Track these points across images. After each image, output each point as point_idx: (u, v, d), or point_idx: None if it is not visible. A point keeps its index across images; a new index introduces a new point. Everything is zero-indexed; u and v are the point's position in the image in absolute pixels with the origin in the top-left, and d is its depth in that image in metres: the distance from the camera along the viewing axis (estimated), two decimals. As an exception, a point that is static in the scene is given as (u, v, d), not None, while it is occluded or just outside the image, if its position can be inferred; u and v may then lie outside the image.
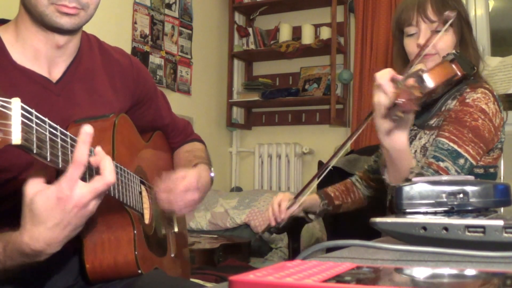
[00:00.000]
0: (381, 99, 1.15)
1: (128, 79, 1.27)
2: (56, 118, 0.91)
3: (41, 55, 1.07)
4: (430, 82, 1.23)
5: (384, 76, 1.16)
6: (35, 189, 0.80)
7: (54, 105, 1.07)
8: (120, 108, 1.22)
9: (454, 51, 1.38)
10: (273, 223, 1.62)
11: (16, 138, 0.67)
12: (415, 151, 1.48)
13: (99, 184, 0.81)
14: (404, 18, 1.52)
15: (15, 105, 0.67)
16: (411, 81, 1.05)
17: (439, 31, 1.45)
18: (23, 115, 0.68)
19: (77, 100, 1.12)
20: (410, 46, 1.51)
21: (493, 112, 1.41)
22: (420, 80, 1.05)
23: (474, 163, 1.38)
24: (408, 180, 1.25)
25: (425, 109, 1.50)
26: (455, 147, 1.36)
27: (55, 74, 1.10)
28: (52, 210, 0.79)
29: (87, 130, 0.79)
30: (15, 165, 1.00)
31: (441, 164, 1.34)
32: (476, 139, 1.37)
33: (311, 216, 1.74)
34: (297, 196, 1.58)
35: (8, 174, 1.01)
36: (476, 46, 1.54)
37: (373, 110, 1.22)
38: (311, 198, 1.69)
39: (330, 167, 1.51)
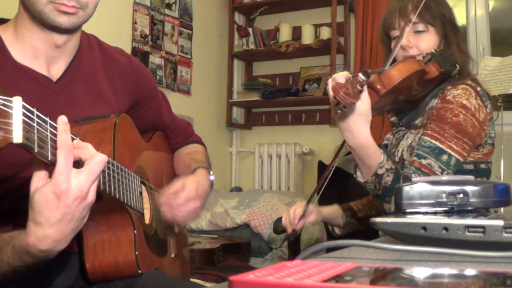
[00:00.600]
0: (330, 97, 1.18)
1: (128, 79, 1.27)
2: (57, 117, 0.92)
3: (41, 54, 1.07)
4: (394, 77, 1.27)
5: (336, 76, 1.19)
6: (35, 185, 0.78)
7: (54, 104, 1.07)
8: (120, 108, 1.22)
9: (432, 50, 1.42)
10: (289, 231, 1.62)
11: (17, 136, 0.67)
12: (402, 150, 1.49)
13: (93, 165, 0.78)
14: (388, 22, 1.57)
15: (17, 104, 0.67)
16: (358, 77, 1.08)
17: (420, 31, 1.49)
18: (24, 114, 0.68)
19: (78, 100, 1.12)
20: (394, 49, 1.54)
21: (476, 107, 1.41)
22: (365, 74, 1.07)
23: (460, 159, 1.38)
24: (377, 175, 1.26)
25: (411, 109, 1.52)
26: (437, 143, 1.37)
27: (55, 73, 1.10)
28: (52, 207, 0.76)
29: (62, 119, 0.77)
30: (15, 163, 1.00)
31: (423, 161, 1.35)
32: (458, 135, 1.38)
33: (337, 230, 1.74)
34: (308, 202, 1.57)
35: (8, 172, 1.01)
36: (464, 46, 1.57)
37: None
38: (332, 209, 1.69)
39: (333, 168, 1.51)
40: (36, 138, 0.71)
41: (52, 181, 0.76)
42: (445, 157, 1.36)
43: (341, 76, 1.17)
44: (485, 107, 1.44)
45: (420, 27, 1.51)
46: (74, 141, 0.80)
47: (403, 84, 1.30)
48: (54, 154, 0.75)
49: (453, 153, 1.37)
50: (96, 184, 0.81)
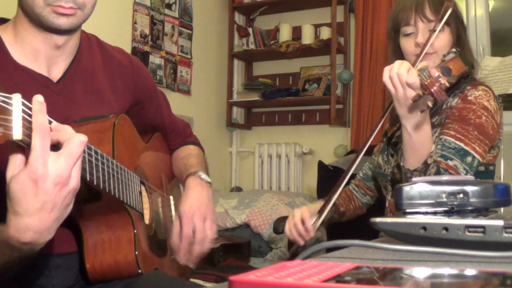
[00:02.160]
0: (407, 92, 1.17)
1: (128, 79, 1.27)
2: (57, 117, 0.92)
3: (41, 55, 1.07)
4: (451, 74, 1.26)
5: (403, 67, 1.18)
6: (10, 173, 0.72)
7: (55, 104, 1.07)
8: (120, 108, 1.22)
9: (454, 49, 1.40)
10: (301, 243, 1.54)
11: (17, 133, 0.67)
12: None
13: (71, 147, 0.72)
14: (401, 18, 1.54)
15: (16, 101, 0.67)
16: (436, 71, 1.06)
17: (435, 31, 1.47)
18: (23, 111, 0.68)
19: (78, 100, 1.12)
20: (408, 45, 1.52)
21: (495, 109, 1.42)
22: (446, 71, 1.06)
23: (481, 160, 1.38)
24: (426, 164, 1.26)
25: None
26: (462, 145, 1.36)
27: (55, 73, 1.10)
28: (30, 195, 0.70)
29: (38, 98, 0.71)
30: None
31: (450, 162, 1.34)
32: (481, 136, 1.38)
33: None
34: (321, 210, 1.51)
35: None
36: (470, 47, 1.56)
37: (396, 104, 1.23)
38: (318, 205, 1.67)
39: (349, 175, 1.48)
40: None
41: (28, 166, 0.70)
42: (469, 158, 1.35)
43: (406, 67, 1.17)
44: (499, 110, 1.45)
45: (437, 26, 1.49)
46: (52, 123, 0.75)
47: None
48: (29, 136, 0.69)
49: (476, 155, 1.37)
50: (78, 168, 0.75)
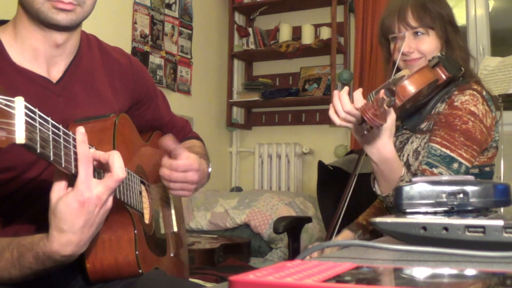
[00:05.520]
0: (349, 119, 1.18)
1: (127, 79, 1.27)
2: (57, 118, 0.92)
3: (40, 55, 1.07)
4: (410, 89, 1.25)
5: (343, 96, 1.18)
6: (56, 195, 0.83)
7: (55, 105, 1.06)
8: (119, 108, 1.22)
9: (439, 54, 1.40)
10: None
11: (20, 137, 0.67)
12: (408, 155, 1.48)
13: (110, 181, 0.84)
14: (387, 26, 1.55)
15: (19, 104, 0.67)
16: (381, 94, 1.04)
17: (421, 33, 1.47)
18: (26, 114, 0.68)
19: (77, 100, 1.12)
20: (395, 52, 1.53)
21: (483, 113, 1.40)
22: (389, 93, 1.05)
23: (469, 166, 1.38)
24: None
25: (416, 113, 1.51)
26: (448, 152, 1.36)
27: (55, 74, 1.10)
28: (76, 214, 0.82)
29: (80, 130, 0.82)
30: (17, 165, 1.00)
31: (435, 170, 1.34)
32: (468, 142, 1.37)
33: None
34: (331, 230, 1.48)
35: (10, 174, 1.01)
36: (463, 43, 1.55)
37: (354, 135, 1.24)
38: (343, 236, 1.61)
39: (355, 177, 1.48)
40: (38, 138, 0.71)
41: (75, 190, 0.81)
42: (455, 165, 1.35)
43: (344, 93, 1.16)
44: (491, 112, 1.44)
45: (420, 30, 1.49)
46: (91, 149, 0.85)
47: (416, 94, 1.30)
48: (57, 155, 0.77)
49: (463, 161, 1.36)
50: (112, 195, 0.87)
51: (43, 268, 0.89)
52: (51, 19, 1.01)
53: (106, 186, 0.84)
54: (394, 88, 1.09)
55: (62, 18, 1.02)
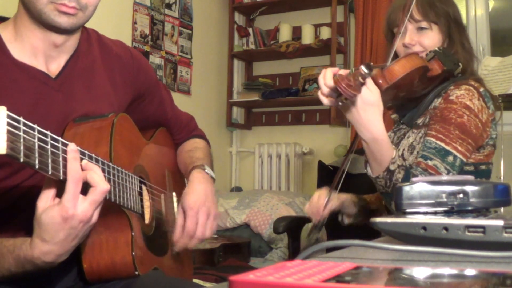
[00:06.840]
0: (330, 93, 1.21)
1: (128, 73, 1.26)
2: (56, 113, 0.92)
3: (39, 52, 1.07)
4: (396, 72, 1.29)
5: (331, 69, 1.23)
6: (43, 205, 0.84)
7: (54, 100, 1.07)
8: (120, 103, 1.22)
9: (436, 48, 1.42)
10: (316, 220, 1.56)
11: (1, 147, 0.66)
12: (403, 149, 1.49)
13: (95, 195, 0.85)
14: (392, 19, 1.57)
15: (1, 114, 0.67)
16: (360, 70, 1.10)
17: (423, 28, 1.49)
18: (9, 124, 0.68)
19: (77, 96, 1.12)
20: (398, 46, 1.55)
21: (479, 108, 1.41)
22: (367, 67, 1.09)
23: (464, 159, 1.38)
24: (389, 170, 1.27)
25: (412, 107, 1.52)
26: (443, 145, 1.36)
27: (54, 69, 1.10)
28: (58, 228, 0.83)
29: (72, 147, 0.82)
30: (11, 164, 0.99)
31: (430, 162, 1.35)
32: (463, 136, 1.38)
33: (346, 219, 1.70)
34: (331, 188, 1.53)
35: (4, 173, 1.00)
36: (468, 45, 1.57)
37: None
38: (347, 196, 1.66)
39: (352, 152, 1.50)
40: (22, 147, 0.70)
41: (60, 205, 0.82)
42: (450, 158, 1.36)
43: (329, 70, 1.20)
44: (487, 108, 1.44)
45: (424, 24, 1.51)
46: (83, 161, 0.85)
47: (405, 80, 1.31)
48: (43, 163, 0.77)
49: (458, 154, 1.37)
50: (99, 209, 0.88)
51: (22, 270, 0.90)
52: (53, 21, 1.01)
53: (91, 201, 0.85)
54: (371, 63, 1.12)
55: (63, 21, 1.02)
